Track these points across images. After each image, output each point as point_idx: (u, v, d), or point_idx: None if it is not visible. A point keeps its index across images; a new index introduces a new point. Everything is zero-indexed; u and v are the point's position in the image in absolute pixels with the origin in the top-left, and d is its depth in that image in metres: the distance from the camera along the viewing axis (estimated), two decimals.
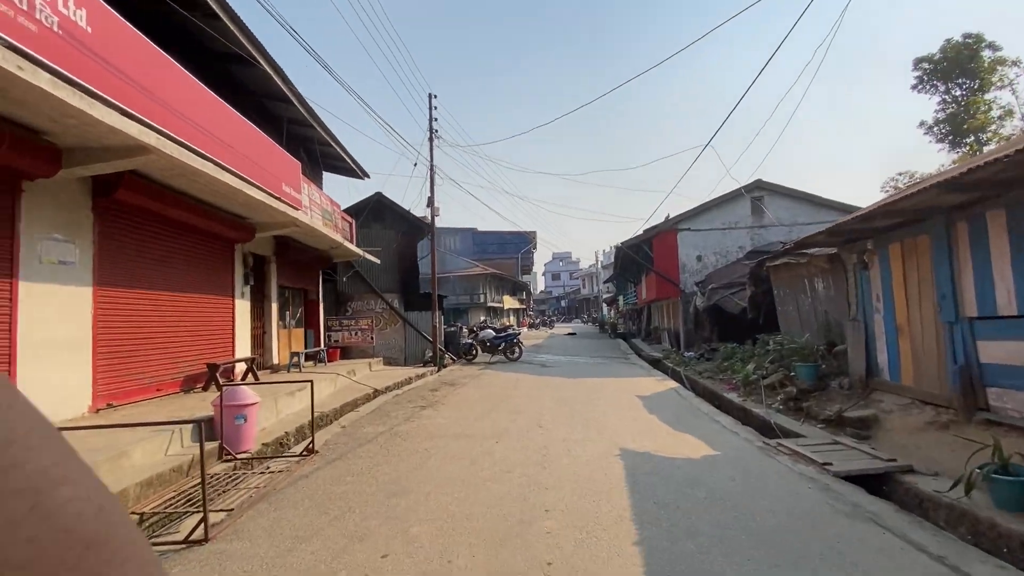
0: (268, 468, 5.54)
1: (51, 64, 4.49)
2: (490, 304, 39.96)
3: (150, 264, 7.45)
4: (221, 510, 4.19)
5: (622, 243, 20.28)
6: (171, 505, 4.36)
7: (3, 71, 3.95)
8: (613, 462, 5.45)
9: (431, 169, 16.00)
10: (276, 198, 9.15)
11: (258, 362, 10.68)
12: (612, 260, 43.68)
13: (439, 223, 17.13)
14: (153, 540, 3.67)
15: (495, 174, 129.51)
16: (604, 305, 49.94)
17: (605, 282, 47.76)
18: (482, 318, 33.30)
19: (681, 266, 18.19)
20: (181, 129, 6.44)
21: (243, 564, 3.23)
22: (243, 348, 10.07)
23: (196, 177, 6.99)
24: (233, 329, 9.78)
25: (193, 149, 6.59)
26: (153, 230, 7.48)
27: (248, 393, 6.02)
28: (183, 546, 3.55)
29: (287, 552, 3.40)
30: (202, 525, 3.62)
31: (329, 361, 13.67)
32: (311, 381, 6.45)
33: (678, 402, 9.33)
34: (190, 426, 5.68)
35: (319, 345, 14.10)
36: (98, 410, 6.32)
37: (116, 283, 6.74)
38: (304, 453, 5.95)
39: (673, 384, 11.64)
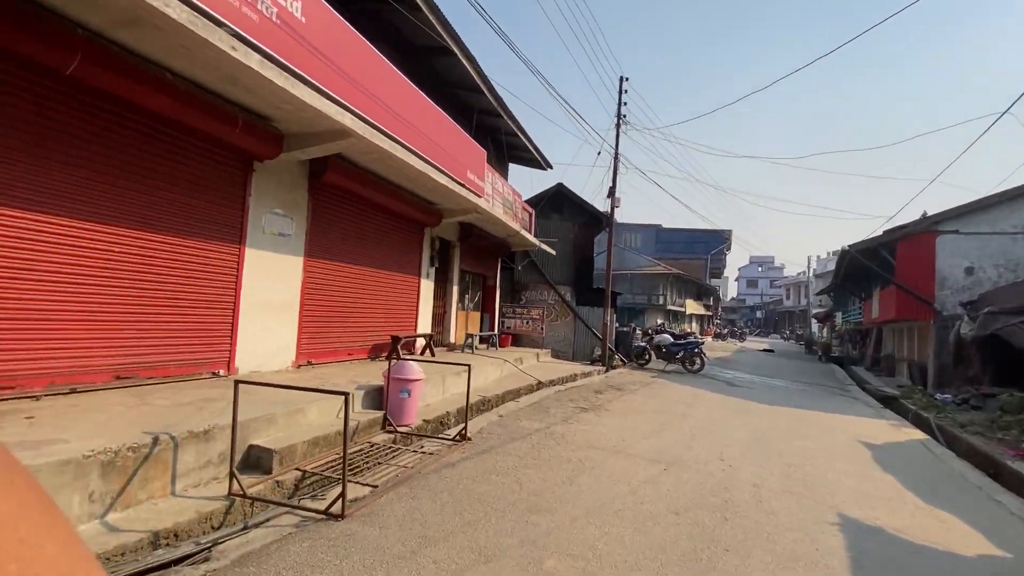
0: (422, 447, 5.50)
1: (271, 52, 4.98)
2: (670, 307, 37.23)
3: (350, 241, 8.24)
4: (366, 484, 4.14)
5: (850, 246, 16.36)
6: (330, 468, 4.50)
7: (236, 61, 4.44)
8: (828, 533, 3.97)
9: (615, 157, 15.10)
10: (460, 184, 9.40)
11: (436, 339, 11.32)
12: (830, 268, 36.72)
13: (620, 217, 16.16)
14: (299, 504, 3.71)
15: (686, 160, 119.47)
16: (814, 321, 42.25)
17: (818, 294, 40.23)
18: (659, 321, 31.17)
19: (939, 280, 13.83)
20: (379, 115, 6.84)
21: (364, 558, 2.98)
22: (424, 325, 10.73)
23: (390, 161, 7.43)
24: (417, 306, 10.46)
25: (388, 134, 6.97)
26: (354, 210, 8.25)
27: (414, 369, 6.10)
28: (322, 517, 3.49)
29: (411, 554, 3.06)
30: (340, 500, 3.53)
31: (500, 346, 13.96)
32: (468, 366, 6.28)
33: (928, 461, 6.84)
34: (361, 392, 6.00)
35: (492, 330, 14.52)
36: (299, 366, 7.17)
37: (321, 256, 7.57)
38: (457, 438, 5.79)
39: (918, 434, 8.74)
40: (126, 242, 4.91)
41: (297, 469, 4.35)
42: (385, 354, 8.97)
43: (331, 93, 5.90)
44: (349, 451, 4.99)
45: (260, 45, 4.84)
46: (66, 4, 3.85)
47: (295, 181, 6.99)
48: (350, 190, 7.84)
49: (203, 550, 3.04)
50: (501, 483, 4.47)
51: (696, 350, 15.65)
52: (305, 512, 3.56)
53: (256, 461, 4.26)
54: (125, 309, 4.92)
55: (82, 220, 4.54)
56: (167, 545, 3.15)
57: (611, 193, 15.18)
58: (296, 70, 5.33)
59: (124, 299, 4.91)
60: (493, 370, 10.25)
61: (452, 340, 12.26)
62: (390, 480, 4.32)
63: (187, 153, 5.47)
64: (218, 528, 3.51)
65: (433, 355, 10.05)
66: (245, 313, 6.24)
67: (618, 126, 15.19)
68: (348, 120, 5.86)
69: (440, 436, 5.96)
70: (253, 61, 4.61)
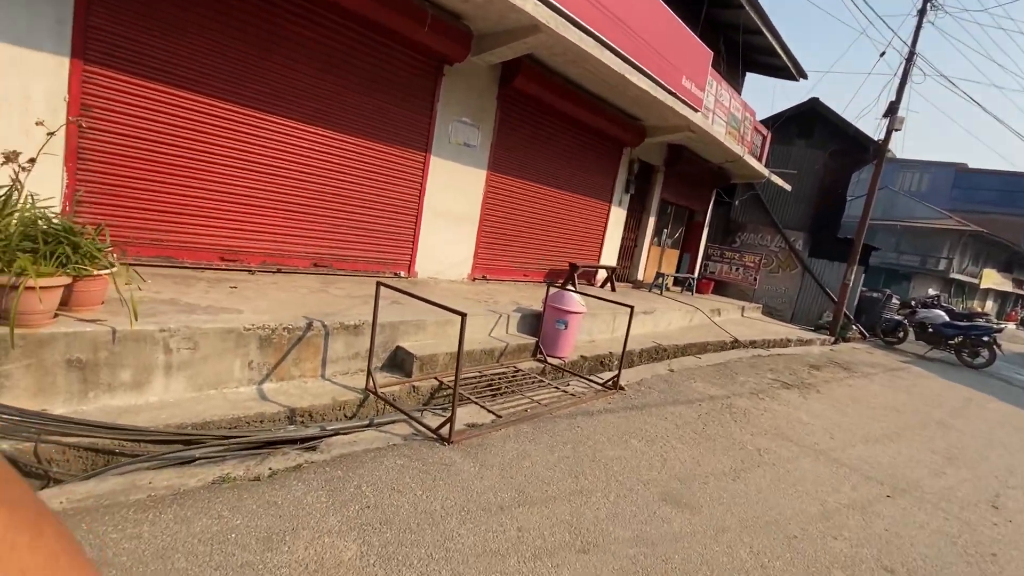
0: (567, 384, 5.02)
1: None
2: (955, 275, 28.16)
3: (537, 157, 7.76)
4: (491, 411, 3.86)
5: None
6: (467, 384, 4.38)
7: None
8: None
9: (909, 57, 10.88)
10: (671, 94, 7.89)
11: (620, 274, 10.47)
12: None
13: (900, 150, 11.99)
14: (418, 417, 3.62)
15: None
16: None
17: None
18: (932, 292, 23.89)
19: None
20: (574, 4, 5.88)
21: (447, 497, 2.68)
22: (609, 256, 9.95)
23: (585, 63, 6.49)
24: (603, 235, 9.68)
25: (584, 27, 6.00)
26: (544, 123, 7.65)
27: (573, 300, 5.53)
28: (432, 436, 3.33)
29: (497, 510, 2.65)
30: (449, 424, 3.29)
31: (698, 292, 12.34)
32: (631, 307, 5.39)
33: None
34: (518, 315, 5.73)
35: (693, 272, 12.87)
36: (473, 280, 7.29)
37: (505, 170, 7.30)
38: (609, 385, 5.14)
39: None
40: (325, 142, 5.30)
41: (435, 378, 4.33)
42: (560, 281, 8.60)
43: None
44: (490, 372, 4.83)
45: None
46: None
47: (484, 88, 6.67)
48: (541, 100, 7.21)
49: (321, 437, 3.16)
50: (641, 452, 3.71)
51: (986, 338, 11.31)
52: (419, 426, 3.45)
53: (400, 363, 4.37)
54: (323, 204, 5.43)
55: (290, 119, 4.99)
56: (300, 422, 3.39)
57: (891, 110, 11.19)
58: None
59: (322, 195, 5.40)
60: (679, 317, 9.02)
61: (640, 277, 11.22)
62: (515, 414, 3.97)
63: (382, 55, 5.53)
64: (351, 417, 3.68)
65: (614, 289, 9.31)
66: (427, 221, 6.43)
67: (921, 12, 10.77)
68: (532, 7, 5.10)
69: (590, 378, 5.37)
70: None
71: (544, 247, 8.44)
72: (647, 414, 4.55)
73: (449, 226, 6.74)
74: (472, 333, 5.12)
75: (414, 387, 4.14)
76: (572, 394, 4.71)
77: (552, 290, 5.71)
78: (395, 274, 6.28)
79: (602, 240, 9.72)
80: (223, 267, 4.81)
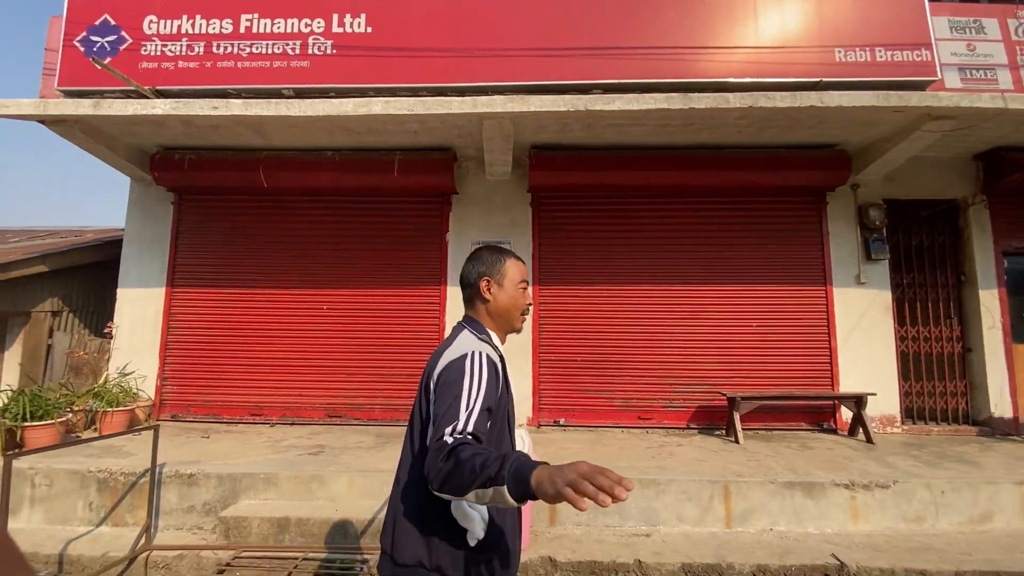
0: None
1: None
2: None
3: (604, 253, 5.79)
4: None
5: None
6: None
7: None
8: None
9: None
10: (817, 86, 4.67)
11: (936, 409, 5.49)
12: None
13: None
14: None
15: None
16: None
17: None
18: None
19: None
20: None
21: None
22: (856, 375, 5.51)
23: (597, 121, 4.90)
24: (830, 339, 5.62)
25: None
26: (603, 208, 5.80)
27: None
28: None
29: None
30: None
31: None
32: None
33: None
34: None
35: None
36: (539, 425, 5.52)
37: (553, 281, 5.75)
38: None
39: None
40: (339, 300, 5.85)
41: (240, 548, 3.44)
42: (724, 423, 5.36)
43: None
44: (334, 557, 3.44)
45: None
46: None
47: (508, 199, 5.89)
48: (583, 184, 5.67)
49: None
50: None
51: None
52: None
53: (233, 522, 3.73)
54: (335, 357, 5.75)
55: (305, 289, 5.88)
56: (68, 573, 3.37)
57: None
58: None
59: (334, 348, 5.76)
60: None
61: (993, 412, 5.46)
62: None
63: (400, 212, 5.95)
64: None
65: (870, 440, 4.95)
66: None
67: None
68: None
69: None
70: None
71: (681, 373, 5.62)
72: None
73: None
74: (357, 499, 3.84)
75: (199, 555, 3.42)
76: None
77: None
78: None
79: (830, 348, 5.60)
80: (251, 421, 5.66)
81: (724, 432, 5.33)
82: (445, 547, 1.23)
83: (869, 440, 4.99)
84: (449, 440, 1.08)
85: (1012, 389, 5.53)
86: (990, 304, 5.66)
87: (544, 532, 3.71)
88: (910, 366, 5.73)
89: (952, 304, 5.89)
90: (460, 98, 4.47)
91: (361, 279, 5.85)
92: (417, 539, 1.23)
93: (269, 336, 5.80)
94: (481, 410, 1.17)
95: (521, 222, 5.87)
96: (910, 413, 5.76)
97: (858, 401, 5.14)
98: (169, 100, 4.58)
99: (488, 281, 1.47)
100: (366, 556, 3.37)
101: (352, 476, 3.93)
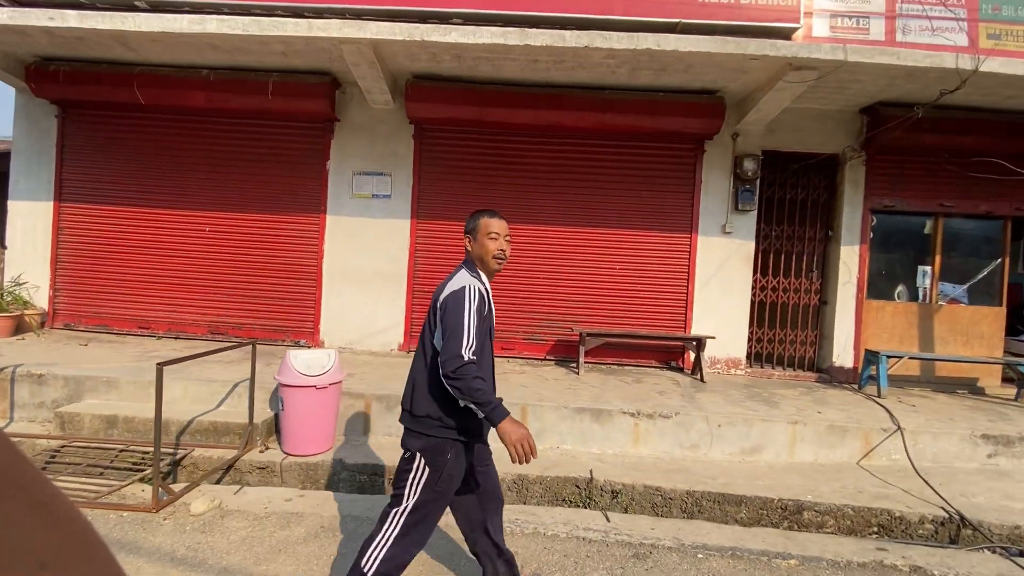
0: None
1: None
2: None
3: (499, 191, 5.89)
4: None
5: None
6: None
7: None
8: None
9: None
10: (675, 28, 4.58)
11: (792, 356, 5.83)
12: None
13: None
14: None
15: None
16: None
17: None
18: None
19: None
20: None
21: None
22: (709, 320, 5.81)
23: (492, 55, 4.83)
24: (688, 286, 5.87)
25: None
26: (488, 147, 5.84)
27: (290, 369, 3.73)
28: None
29: None
30: None
31: None
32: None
33: None
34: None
35: None
36: (410, 351, 5.89)
37: (443, 216, 5.90)
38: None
39: None
40: (219, 222, 6.00)
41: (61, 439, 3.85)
42: (586, 359, 5.72)
43: None
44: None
45: None
46: None
47: (391, 131, 5.89)
48: (468, 120, 5.66)
49: None
50: None
51: None
52: None
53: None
54: (218, 276, 5.99)
55: (189, 210, 6.01)
56: None
57: None
58: None
59: (217, 268, 5.99)
60: (837, 447, 4.14)
61: (835, 361, 5.83)
62: None
63: (272, 133, 5.96)
64: None
65: (702, 378, 5.33)
66: (329, 285, 5.92)
67: None
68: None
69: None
70: None
71: (543, 309, 5.92)
72: None
73: (362, 289, 5.90)
74: (187, 404, 4.22)
75: (35, 443, 3.84)
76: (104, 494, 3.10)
77: (288, 356, 4.08)
78: (296, 343, 5.94)
79: (687, 295, 5.87)
80: (139, 333, 6.01)
81: (576, 365, 5.71)
82: (445, 405, 1.89)
83: (701, 379, 5.38)
84: (466, 356, 1.76)
85: (856, 341, 5.86)
86: (850, 260, 5.86)
87: (357, 439, 4.13)
88: (766, 315, 6.03)
89: (817, 259, 6.09)
90: (295, 20, 4.39)
91: (243, 203, 5.97)
92: (429, 400, 1.91)
93: (156, 253, 6.01)
94: (476, 330, 1.82)
95: (403, 154, 5.91)
96: (759, 358, 6.13)
97: (698, 343, 5.48)
98: (7, 9, 4.49)
99: (468, 238, 2.08)
100: (180, 451, 3.79)
101: (188, 384, 4.31)
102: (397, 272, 5.90)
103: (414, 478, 1.89)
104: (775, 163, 5.95)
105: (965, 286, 6.00)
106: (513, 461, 1.74)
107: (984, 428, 4.34)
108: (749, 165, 5.73)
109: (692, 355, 5.65)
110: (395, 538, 1.86)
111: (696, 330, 5.81)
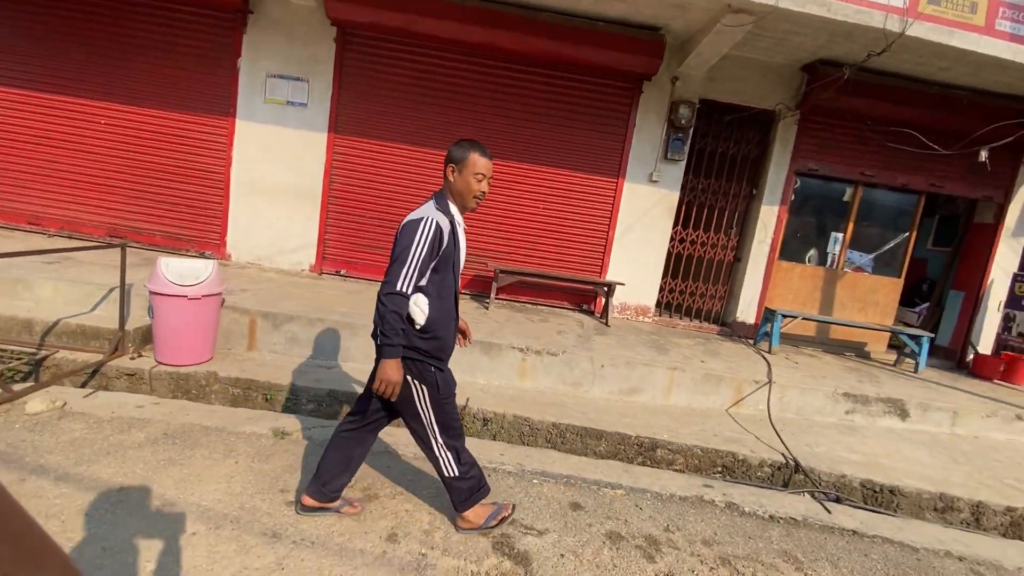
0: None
1: None
2: None
3: (426, 109, 5.56)
4: None
5: None
6: None
7: None
8: None
9: None
10: None
11: (692, 307, 5.98)
12: None
13: None
14: None
15: None
16: None
17: None
18: None
19: None
20: None
21: None
22: (627, 267, 5.88)
23: None
24: (609, 232, 5.86)
25: None
26: (420, 61, 5.44)
27: (160, 278, 3.55)
28: None
29: None
30: None
31: (978, 375, 5.67)
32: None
33: None
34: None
35: (966, 327, 6.01)
36: (321, 272, 5.74)
37: (365, 132, 5.57)
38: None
39: None
40: (120, 116, 5.49)
41: None
42: (500, 295, 5.72)
43: None
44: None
45: None
46: None
47: (312, 32, 5.38)
48: (402, 29, 5.22)
49: None
50: None
51: None
52: None
53: None
54: (119, 176, 5.57)
55: (84, 98, 5.45)
56: None
57: None
58: None
59: (118, 167, 5.56)
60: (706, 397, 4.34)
61: (738, 316, 6.06)
62: None
63: (166, 22, 5.36)
64: None
65: (607, 322, 5.45)
66: (238, 196, 5.60)
67: None
68: None
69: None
70: None
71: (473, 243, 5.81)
72: None
73: (273, 203, 5.62)
74: (60, 305, 4.01)
75: None
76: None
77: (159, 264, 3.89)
78: (201, 254, 5.68)
79: (607, 240, 5.87)
80: (28, 229, 5.60)
81: (488, 300, 5.72)
82: (416, 333, 1.97)
83: (606, 323, 5.50)
84: (399, 287, 1.82)
85: (761, 299, 6.07)
86: (768, 220, 5.94)
87: (240, 353, 4.07)
88: (681, 267, 6.13)
89: (739, 216, 6.15)
90: None
91: (146, 97, 5.45)
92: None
93: (49, 144, 5.49)
94: (420, 264, 1.85)
95: (324, 59, 5.44)
96: (669, 308, 6.31)
97: (608, 288, 5.55)
98: None
99: (453, 167, 2.00)
100: (43, 353, 3.63)
101: (59, 284, 4.08)
102: (311, 188, 5.62)
103: (420, 401, 2.03)
104: (712, 115, 5.82)
105: (871, 256, 6.23)
106: (373, 389, 1.90)
107: (849, 387, 4.66)
108: (684, 112, 5.58)
109: (603, 300, 5.74)
110: (443, 442, 2.07)
111: (612, 276, 5.87)
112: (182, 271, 3.59)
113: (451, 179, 2.02)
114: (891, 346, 6.33)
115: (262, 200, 5.61)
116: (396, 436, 3.08)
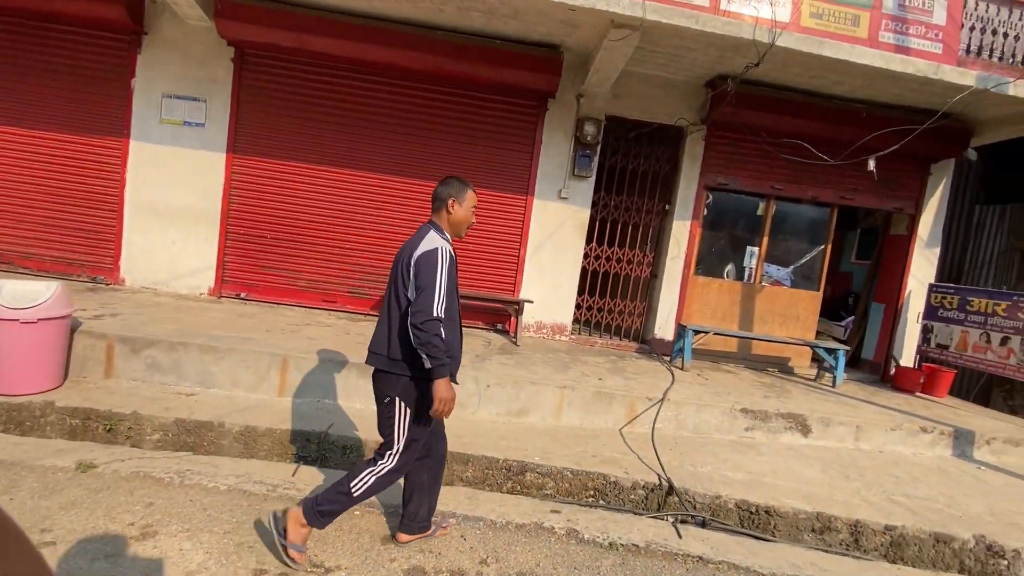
0: None
1: None
2: None
3: (328, 129, 5.49)
4: None
5: None
6: None
7: None
8: None
9: None
10: None
11: (610, 324, 5.83)
12: None
13: None
14: None
15: None
16: None
17: None
18: None
19: None
20: None
21: None
22: (540, 286, 5.75)
23: None
24: (520, 250, 5.74)
25: None
26: (323, 81, 5.39)
27: (17, 296, 3.33)
28: None
29: None
30: None
31: (900, 389, 5.58)
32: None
33: None
34: None
35: (888, 339, 5.93)
36: (220, 296, 5.53)
37: (264, 152, 5.45)
38: None
39: None
40: (7, 138, 5.32)
41: None
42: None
43: None
44: None
45: None
46: None
47: (210, 53, 5.31)
48: (303, 48, 5.17)
49: None
50: None
51: None
52: None
53: None
54: (7, 200, 5.37)
55: None
56: None
57: None
58: None
59: (6, 190, 5.36)
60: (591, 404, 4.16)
61: (657, 333, 5.94)
62: None
63: (59, 43, 5.26)
64: None
65: (516, 341, 5.28)
66: (133, 218, 5.41)
67: None
68: None
69: None
70: None
71: (369, 262, 5.67)
72: None
73: (170, 226, 5.44)
74: None
75: None
76: None
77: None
78: (93, 279, 5.46)
79: (519, 258, 5.76)
80: None
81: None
82: (416, 353, 2.03)
83: (515, 342, 5.34)
84: (435, 313, 1.95)
85: (679, 315, 5.96)
86: (681, 235, 5.89)
87: (95, 381, 3.82)
88: (598, 284, 6.02)
89: (653, 231, 6.09)
90: None
91: (34, 118, 5.30)
92: (405, 346, 2.08)
93: None
94: (447, 290, 2.01)
95: (222, 79, 5.36)
96: (588, 325, 6.17)
97: (517, 307, 5.41)
98: None
99: (454, 200, 2.18)
100: None
101: None
102: (210, 210, 5.46)
103: (399, 421, 2.12)
104: (620, 132, 5.82)
105: (788, 269, 6.19)
106: (432, 413, 2.02)
107: (749, 403, 4.51)
108: (590, 129, 5.56)
109: (526, 318, 5.59)
110: (389, 471, 2.13)
111: (526, 294, 5.73)
112: (16, 293, 3.37)
113: (452, 211, 2.18)
114: (814, 360, 6.23)
115: (158, 223, 5.43)
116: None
